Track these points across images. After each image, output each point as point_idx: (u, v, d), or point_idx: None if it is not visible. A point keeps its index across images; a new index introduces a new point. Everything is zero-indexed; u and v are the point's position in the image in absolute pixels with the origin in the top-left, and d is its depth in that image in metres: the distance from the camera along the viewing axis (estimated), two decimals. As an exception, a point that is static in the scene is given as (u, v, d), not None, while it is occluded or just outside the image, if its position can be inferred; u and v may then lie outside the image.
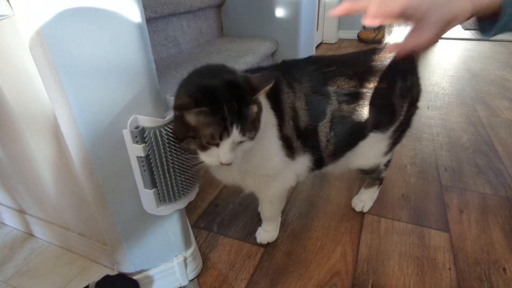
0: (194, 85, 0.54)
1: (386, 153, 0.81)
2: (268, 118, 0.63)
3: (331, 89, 0.68)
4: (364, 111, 0.69)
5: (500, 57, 2.55)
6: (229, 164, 0.54)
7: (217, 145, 0.53)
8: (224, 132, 0.51)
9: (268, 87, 0.55)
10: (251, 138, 0.55)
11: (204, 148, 0.53)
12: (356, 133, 0.73)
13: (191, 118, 0.52)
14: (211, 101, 0.51)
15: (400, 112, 0.74)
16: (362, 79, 0.69)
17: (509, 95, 1.80)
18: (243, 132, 0.53)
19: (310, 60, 0.73)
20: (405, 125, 0.79)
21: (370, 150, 0.78)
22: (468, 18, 0.52)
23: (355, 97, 0.68)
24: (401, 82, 0.72)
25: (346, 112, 0.68)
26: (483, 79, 2.07)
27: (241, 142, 0.55)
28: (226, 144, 0.52)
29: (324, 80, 0.68)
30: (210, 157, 0.54)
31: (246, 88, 0.53)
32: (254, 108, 0.55)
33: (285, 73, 0.68)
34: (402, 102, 0.74)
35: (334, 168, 0.79)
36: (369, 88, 0.69)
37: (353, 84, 0.68)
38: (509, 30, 0.52)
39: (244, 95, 0.53)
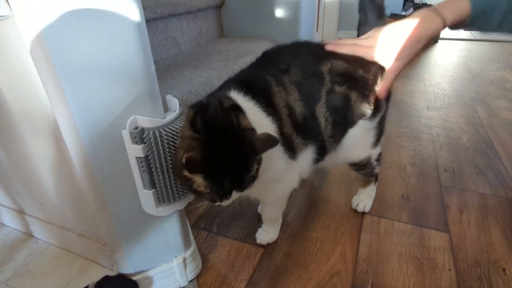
0: (196, 147, 0.53)
1: (374, 144, 0.81)
2: (269, 127, 0.63)
3: (324, 68, 0.69)
4: (352, 96, 0.70)
5: (500, 57, 2.55)
6: None
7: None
8: (223, 198, 0.57)
9: (271, 148, 0.56)
10: (251, 187, 0.59)
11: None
12: (347, 118, 0.73)
13: (192, 176, 0.54)
14: (212, 168, 0.54)
15: (382, 102, 0.75)
16: (351, 64, 0.71)
17: (509, 96, 1.80)
18: (242, 190, 0.58)
19: (297, 44, 0.74)
20: (384, 116, 0.80)
21: (360, 141, 0.78)
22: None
23: (346, 79, 0.69)
24: (380, 75, 0.73)
25: (338, 92, 0.69)
26: (483, 79, 2.07)
27: None
28: (226, 201, 0.58)
29: (315, 60, 0.69)
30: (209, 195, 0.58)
31: (249, 151, 0.55)
32: (255, 166, 0.57)
33: (271, 68, 0.68)
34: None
35: (332, 159, 0.79)
36: (358, 74, 0.71)
37: (344, 66, 0.70)
38: (472, 29, 0.68)
39: (247, 159, 0.56)
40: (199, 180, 0.54)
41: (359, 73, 0.71)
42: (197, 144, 0.54)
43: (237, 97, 0.63)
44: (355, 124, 0.74)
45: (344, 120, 0.73)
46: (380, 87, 0.71)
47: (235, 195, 0.58)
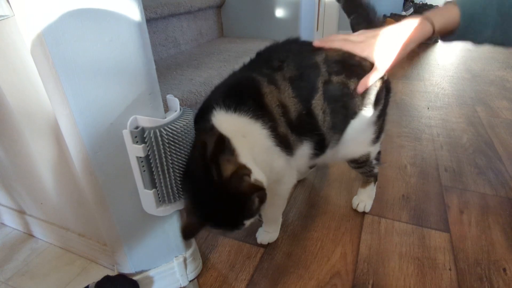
0: (197, 211, 0.61)
1: (374, 141, 0.81)
2: (259, 134, 0.64)
3: (319, 58, 0.69)
4: (351, 84, 0.70)
5: (500, 57, 2.55)
6: None
7: None
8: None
9: (261, 189, 0.59)
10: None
11: None
12: (347, 108, 0.72)
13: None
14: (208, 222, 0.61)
15: (381, 94, 0.75)
16: (347, 55, 0.71)
17: (509, 96, 1.80)
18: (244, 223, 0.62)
19: (289, 40, 0.75)
20: (384, 111, 0.80)
21: (359, 136, 0.78)
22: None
23: (343, 67, 0.69)
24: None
25: (336, 82, 0.69)
26: (483, 79, 2.07)
27: None
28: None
29: (311, 51, 0.70)
30: None
31: (240, 200, 0.59)
32: (252, 205, 0.60)
33: (263, 67, 0.68)
34: (381, 84, 0.74)
35: (331, 154, 0.78)
36: (355, 60, 0.70)
37: (340, 55, 0.70)
38: (464, 40, 0.67)
39: (238, 210, 0.60)
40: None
41: (356, 59, 0.70)
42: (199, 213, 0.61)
43: (221, 117, 0.63)
44: (356, 115, 0.73)
45: (345, 110, 0.72)
46: (362, 81, 0.70)
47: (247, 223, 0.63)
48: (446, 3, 0.67)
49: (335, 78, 0.69)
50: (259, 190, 0.58)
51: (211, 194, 0.58)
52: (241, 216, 0.60)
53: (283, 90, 0.66)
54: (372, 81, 0.70)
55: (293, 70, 0.67)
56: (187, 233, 0.63)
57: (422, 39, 0.68)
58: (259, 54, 0.74)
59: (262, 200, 0.61)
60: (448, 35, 0.68)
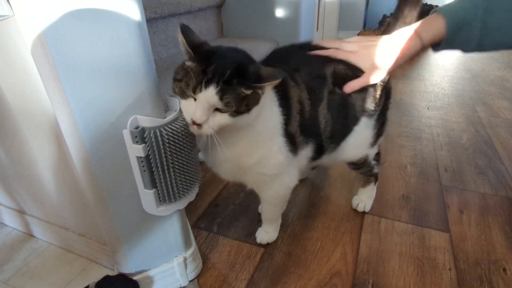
0: (208, 47, 0.57)
1: (372, 144, 0.82)
2: (272, 116, 0.64)
3: (328, 71, 0.70)
4: (354, 94, 0.72)
5: (500, 57, 2.55)
6: (199, 126, 0.54)
7: (195, 99, 0.54)
8: (198, 85, 0.52)
9: (274, 83, 0.56)
10: (231, 114, 0.55)
11: (183, 95, 0.55)
12: (348, 116, 0.74)
13: (188, 63, 0.56)
14: (208, 58, 0.54)
15: (380, 99, 0.76)
16: (350, 64, 0.72)
17: (509, 95, 1.80)
18: (221, 96, 0.52)
19: (302, 45, 0.77)
20: (384, 116, 0.81)
21: (358, 139, 0.78)
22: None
23: (346, 80, 0.71)
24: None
25: (339, 94, 0.71)
26: (483, 79, 2.07)
27: (218, 111, 0.54)
28: (201, 99, 0.53)
29: (320, 63, 0.71)
30: (186, 109, 0.56)
31: (251, 73, 0.55)
32: (247, 91, 0.54)
33: (282, 64, 0.68)
34: (380, 90, 0.76)
35: (330, 158, 0.79)
36: (357, 72, 0.71)
37: (344, 67, 0.71)
38: (452, 49, 0.66)
39: (245, 77, 0.54)
40: (190, 64, 0.55)
41: (356, 70, 0.71)
42: (208, 47, 0.57)
43: None
44: (358, 122, 0.75)
45: (345, 121, 0.73)
46: (351, 83, 0.71)
47: (211, 92, 0.52)
48: (432, 13, 0.66)
49: (338, 90, 0.70)
50: (274, 78, 0.55)
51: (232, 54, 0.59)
52: (233, 74, 0.53)
53: (302, 89, 0.68)
54: (357, 87, 0.71)
55: (306, 75, 0.69)
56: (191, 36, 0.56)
57: (413, 54, 0.68)
58: (275, 51, 0.75)
59: (253, 102, 0.56)
60: (437, 44, 0.68)
